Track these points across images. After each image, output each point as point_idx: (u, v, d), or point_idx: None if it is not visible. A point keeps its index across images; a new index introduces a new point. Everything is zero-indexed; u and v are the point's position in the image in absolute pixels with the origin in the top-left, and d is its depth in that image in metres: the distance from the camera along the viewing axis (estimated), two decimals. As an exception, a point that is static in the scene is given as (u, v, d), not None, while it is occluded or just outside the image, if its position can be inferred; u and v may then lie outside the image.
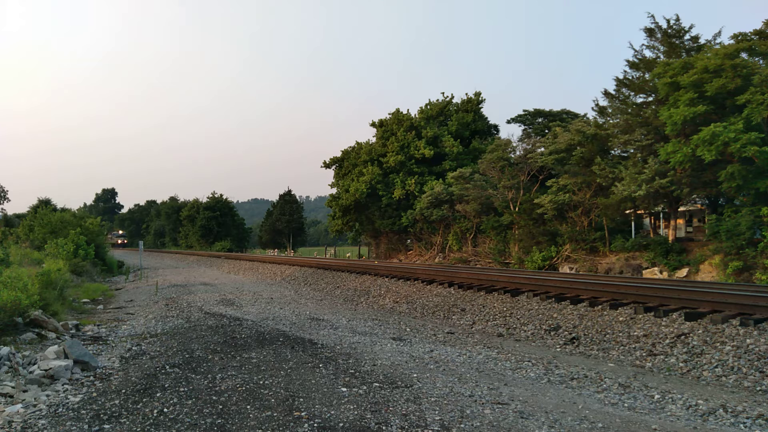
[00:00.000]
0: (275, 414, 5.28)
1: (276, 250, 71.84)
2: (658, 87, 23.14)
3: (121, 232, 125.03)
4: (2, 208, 52.36)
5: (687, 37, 26.39)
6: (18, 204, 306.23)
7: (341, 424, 4.99)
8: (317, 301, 17.25)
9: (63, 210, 45.91)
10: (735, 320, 8.59)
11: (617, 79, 27.85)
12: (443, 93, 59.75)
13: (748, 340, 7.92)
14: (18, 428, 5.02)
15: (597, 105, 31.48)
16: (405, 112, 45.96)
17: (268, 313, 13.30)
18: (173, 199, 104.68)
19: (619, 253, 25.59)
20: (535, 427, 5.08)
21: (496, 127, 48.35)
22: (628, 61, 27.59)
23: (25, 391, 6.21)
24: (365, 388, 6.26)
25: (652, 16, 26.56)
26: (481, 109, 46.92)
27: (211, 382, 6.47)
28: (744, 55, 22.28)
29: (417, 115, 46.70)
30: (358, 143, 48.44)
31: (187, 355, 8.03)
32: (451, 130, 44.32)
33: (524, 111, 45.59)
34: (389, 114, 46.47)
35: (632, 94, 27.61)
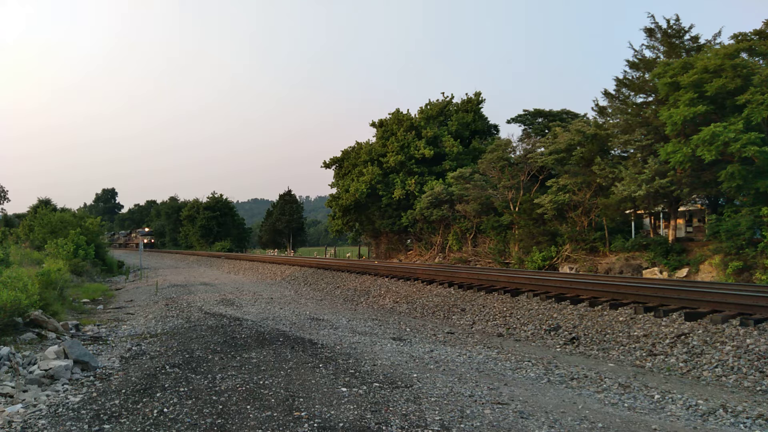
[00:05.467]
0: (275, 414, 5.28)
1: (276, 250, 71.84)
2: (658, 87, 23.14)
3: (147, 229, 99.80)
4: (2, 208, 52.38)
5: (687, 37, 26.40)
6: (18, 204, 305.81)
7: (341, 424, 4.99)
8: (317, 301, 17.25)
9: (63, 210, 45.93)
10: (735, 320, 8.59)
11: (617, 79, 27.87)
12: (443, 93, 59.82)
13: (748, 340, 7.92)
14: (18, 428, 5.02)
15: (597, 105, 31.54)
16: (405, 112, 46.00)
17: (268, 313, 13.30)
18: (173, 199, 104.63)
19: (619, 253, 25.59)
20: (535, 427, 5.08)
21: (496, 127, 48.39)
22: (628, 61, 27.62)
23: (25, 391, 6.21)
24: (365, 388, 6.26)
25: (652, 16, 26.60)
26: (481, 109, 46.92)
27: (211, 382, 6.47)
28: (744, 55, 22.29)
29: (417, 115, 46.69)
30: (358, 143, 48.47)
31: (187, 355, 8.03)
32: (451, 130, 44.32)
33: (524, 111, 45.60)
34: (389, 114, 46.54)
35: (632, 94, 27.61)
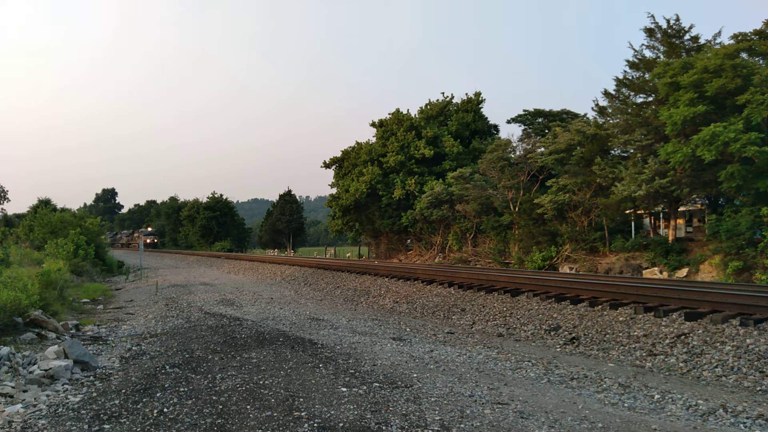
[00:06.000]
0: (275, 414, 5.28)
1: (276, 250, 71.82)
2: (658, 87, 23.14)
3: (150, 229, 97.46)
4: (2, 208, 52.31)
5: (687, 37, 26.40)
6: (18, 204, 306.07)
7: (341, 424, 4.99)
8: (317, 301, 17.25)
9: (63, 210, 45.90)
10: (735, 320, 8.59)
11: (617, 79, 27.87)
12: (443, 93, 59.83)
13: (748, 340, 7.92)
14: (18, 428, 5.02)
15: (597, 105, 31.52)
16: (405, 112, 46.00)
17: (268, 313, 13.30)
18: (173, 199, 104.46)
19: (619, 253, 25.59)
20: (535, 427, 5.08)
21: (496, 127, 48.41)
22: (628, 61, 27.61)
23: (25, 391, 6.21)
24: (365, 388, 6.26)
25: (652, 16, 26.60)
26: (481, 109, 46.95)
27: (211, 382, 6.47)
28: (744, 55, 22.29)
29: (417, 115, 46.71)
30: (358, 143, 48.47)
31: (187, 355, 8.03)
32: (451, 130, 44.33)
33: (524, 111, 45.64)
34: (389, 114, 46.54)
35: (632, 94, 27.60)
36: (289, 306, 15.29)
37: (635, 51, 27.55)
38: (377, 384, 6.43)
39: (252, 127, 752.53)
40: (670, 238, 24.92)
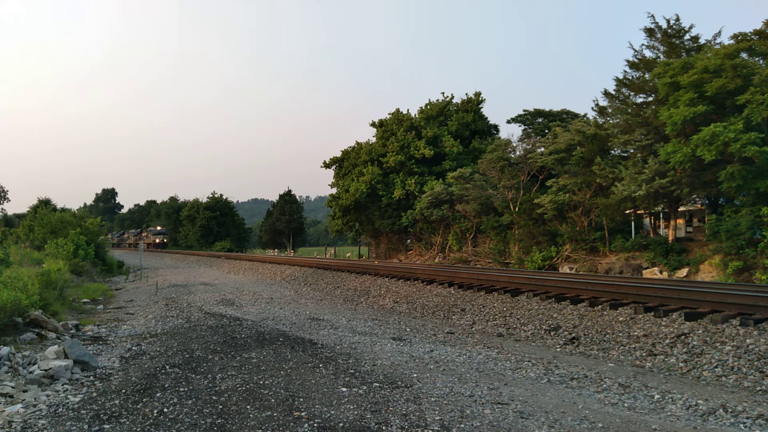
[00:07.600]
0: (275, 414, 5.28)
1: (276, 250, 71.83)
2: (658, 87, 23.14)
3: (159, 228, 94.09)
4: (2, 208, 52.31)
5: (687, 37, 26.41)
6: (18, 204, 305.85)
7: (341, 424, 4.99)
8: (317, 301, 17.25)
9: (63, 210, 45.92)
10: (735, 320, 8.59)
11: (617, 79, 27.87)
12: (443, 93, 59.86)
13: (748, 340, 7.92)
14: (18, 428, 5.02)
15: (597, 105, 31.53)
16: (405, 112, 45.99)
17: (268, 313, 13.30)
18: (173, 199, 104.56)
19: (619, 253, 25.59)
20: (535, 427, 5.08)
21: (496, 127, 48.39)
22: (628, 61, 27.62)
23: (25, 391, 6.21)
24: (365, 388, 6.26)
25: (652, 16, 26.61)
26: (481, 109, 46.95)
27: (211, 382, 6.47)
28: (744, 55, 22.28)
29: (417, 115, 46.69)
30: (358, 143, 48.46)
31: (187, 355, 8.03)
32: (451, 130, 44.32)
33: (524, 111, 45.65)
34: (389, 114, 46.52)
35: (632, 94, 27.61)
36: (289, 306, 15.29)
37: (635, 51, 27.59)
38: (377, 384, 6.43)
39: (252, 127, 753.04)
40: (670, 238, 24.92)
